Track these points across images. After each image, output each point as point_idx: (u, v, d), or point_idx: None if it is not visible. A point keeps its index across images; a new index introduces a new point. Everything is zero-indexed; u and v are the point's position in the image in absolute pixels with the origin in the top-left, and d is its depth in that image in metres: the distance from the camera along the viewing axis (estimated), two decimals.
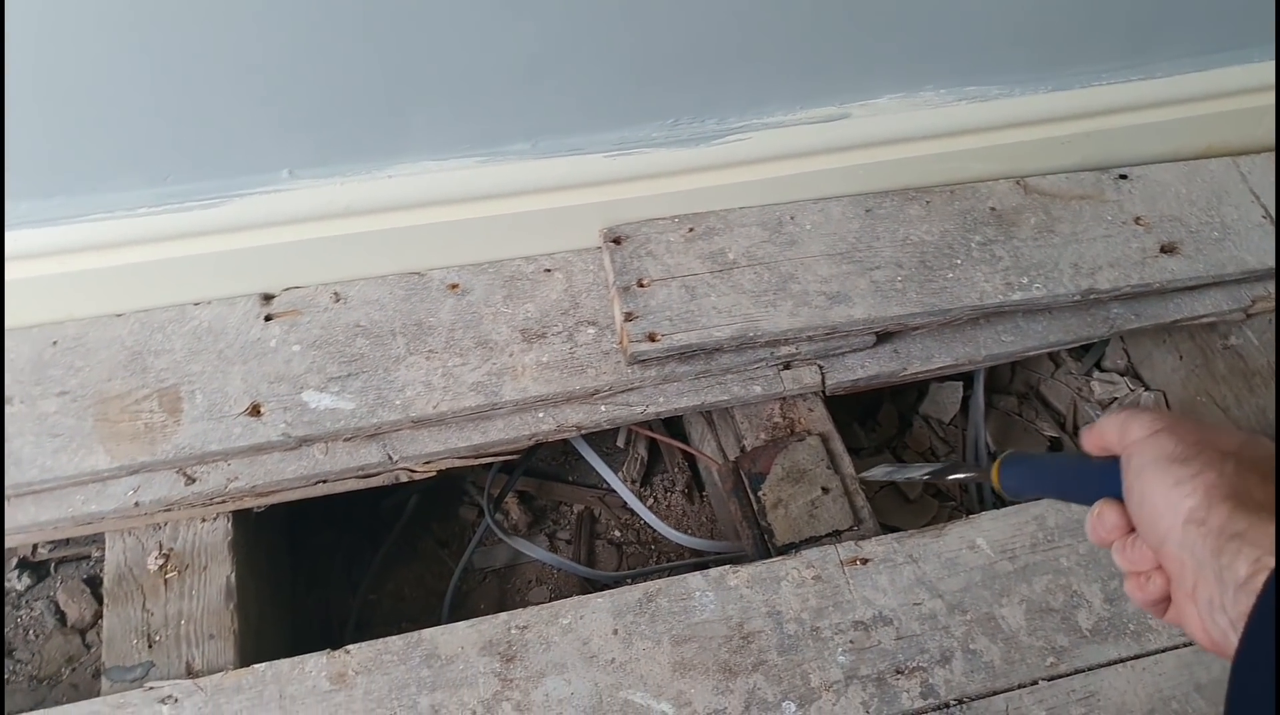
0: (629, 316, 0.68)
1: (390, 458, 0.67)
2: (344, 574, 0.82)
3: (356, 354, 0.69)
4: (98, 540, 0.78)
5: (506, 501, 0.84)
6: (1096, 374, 0.90)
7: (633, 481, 0.86)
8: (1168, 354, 0.87)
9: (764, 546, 0.66)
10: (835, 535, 0.66)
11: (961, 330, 0.75)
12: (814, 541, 0.66)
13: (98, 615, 0.77)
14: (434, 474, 0.69)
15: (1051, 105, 0.75)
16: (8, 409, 0.65)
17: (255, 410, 0.65)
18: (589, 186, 0.71)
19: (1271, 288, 0.78)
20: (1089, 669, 0.60)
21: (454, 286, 0.72)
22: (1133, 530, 0.40)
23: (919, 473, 0.54)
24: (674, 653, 0.60)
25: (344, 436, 0.66)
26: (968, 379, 0.88)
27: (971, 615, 0.62)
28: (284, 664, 0.59)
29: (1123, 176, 0.80)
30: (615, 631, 0.60)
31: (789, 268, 0.72)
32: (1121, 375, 0.89)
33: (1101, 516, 0.40)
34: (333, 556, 0.83)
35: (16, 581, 0.79)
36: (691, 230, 0.73)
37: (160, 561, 0.65)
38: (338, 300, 0.71)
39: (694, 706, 0.58)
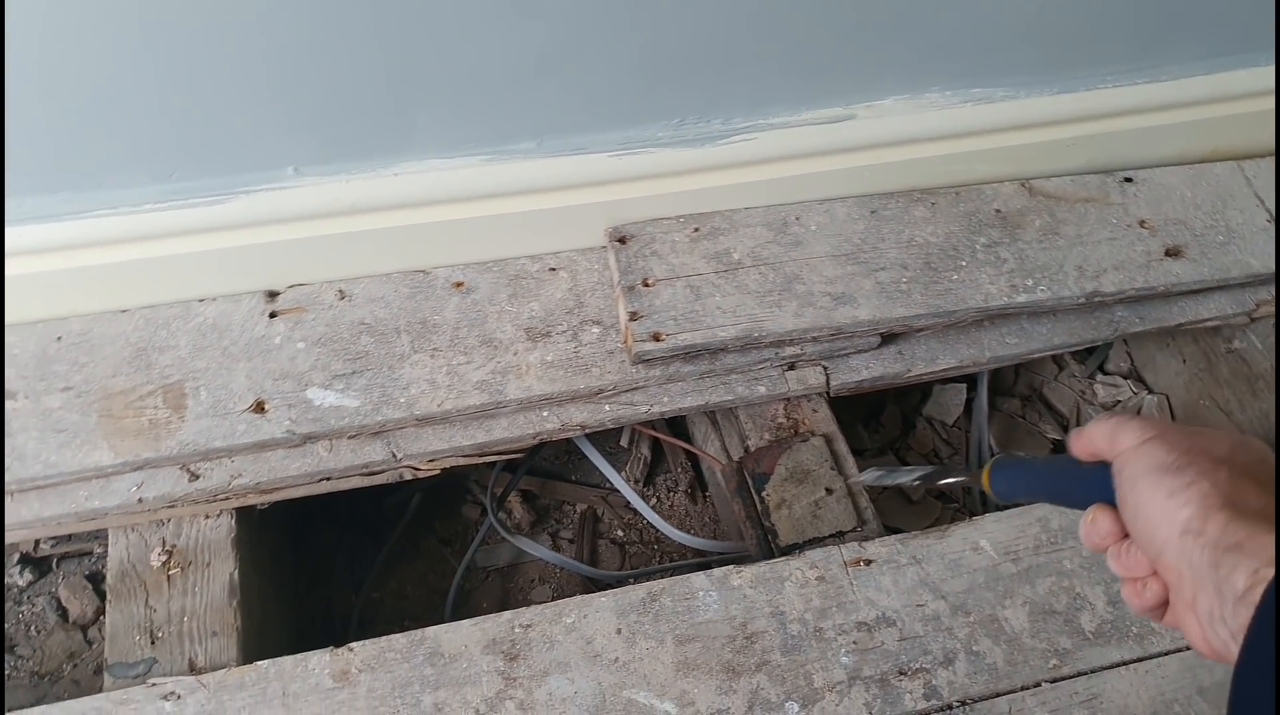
0: (634, 316, 0.68)
1: (394, 455, 0.67)
2: (346, 572, 0.82)
3: (361, 352, 0.69)
4: (100, 536, 0.78)
5: (510, 500, 0.84)
6: (1100, 377, 0.90)
7: (636, 481, 0.86)
8: (1171, 357, 0.87)
9: (767, 547, 0.66)
10: (839, 536, 0.66)
11: (966, 332, 0.75)
12: (817, 542, 0.66)
13: (99, 611, 0.77)
14: (438, 472, 0.69)
15: (1057, 108, 0.75)
16: (12, 404, 0.65)
17: (259, 407, 0.65)
18: (594, 186, 0.71)
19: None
20: (1092, 671, 0.60)
21: (459, 285, 0.72)
22: (1126, 536, 0.39)
23: (910, 477, 0.54)
24: (677, 652, 0.60)
25: (348, 434, 0.66)
26: (971, 381, 0.88)
27: (975, 617, 0.62)
28: (287, 661, 0.59)
29: (1128, 179, 0.80)
30: (619, 631, 0.60)
31: (794, 268, 0.72)
32: (1125, 378, 0.89)
33: (1095, 523, 0.40)
34: (335, 554, 0.83)
35: (18, 577, 0.79)
36: (697, 230, 0.73)
37: (163, 558, 0.65)
38: (343, 298, 0.71)
39: (697, 706, 0.58)
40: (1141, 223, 0.77)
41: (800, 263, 0.72)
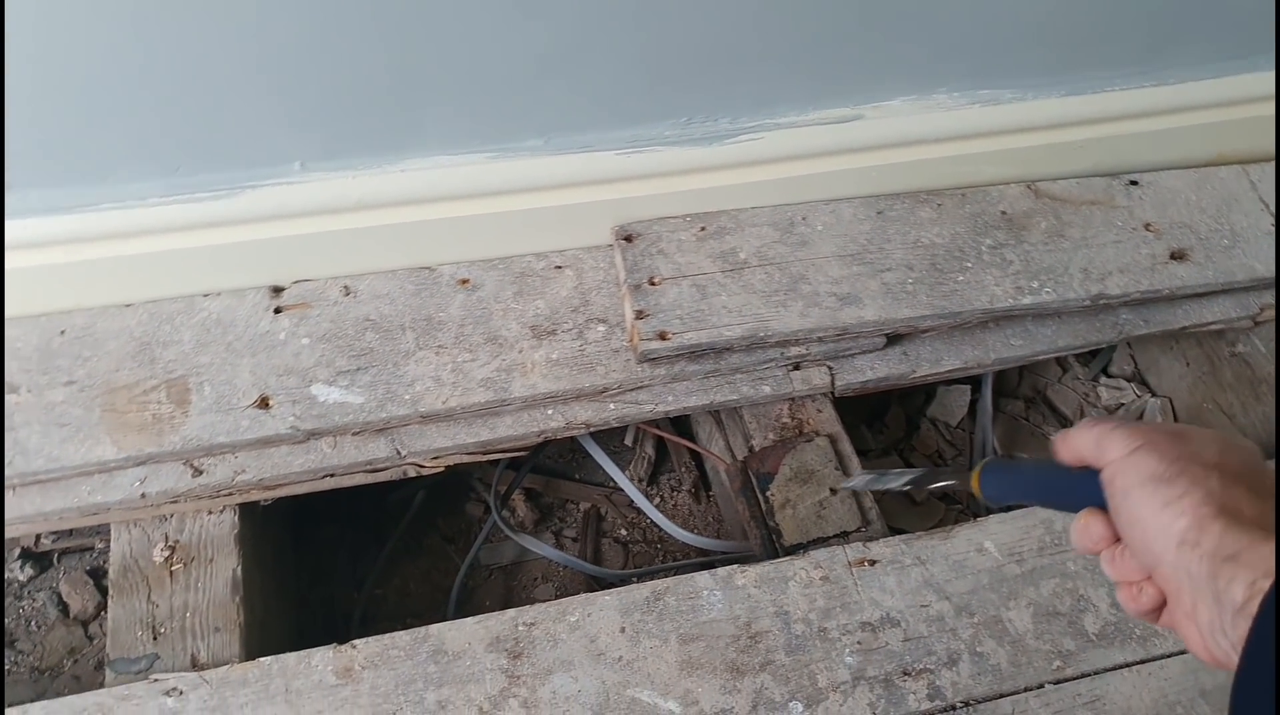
0: (640, 314, 0.68)
1: (398, 452, 0.67)
2: (349, 569, 0.82)
3: (366, 348, 0.68)
4: (101, 531, 0.78)
5: (513, 498, 0.84)
6: (1103, 379, 0.90)
7: (640, 480, 0.86)
8: (1175, 361, 0.87)
9: (772, 546, 0.66)
10: (843, 536, 0.66)
11: (971, 333, 0.75)
12: (822, 542, 0.66)
13: (100, 607, 0.77)
14: (442, 469, 0.69)
15: (1064, 110, 0.75)
16: (15, 398, 0.65)
17: (264, 403, 0.65)
18: (601, 184, 0.71)
19: None
20: (1095, 673, 0.60)
21: (464, 282, 0.72)
22: (1119, 540, 0.39)
23: (899, 482, 0.53)
24: (681, 651, 0.60)
25: (352, 430, 0.66)
26: (975, 382, 0.88)
27: (979, 618, 0.62)
28: (290, 658, 0.58)
29: (1133, 182, 0.80)
30: (623, 629, 0.60)
31: (800, 268, 0.72)
32: (1128, 381, 0.89)
33: (1088, 528, 0.40)
34: (337, 551, 0.83)
35: (19, 572, 0.78)
36: (703, 229, 0.73)
37: (166, 553, 0.65)
38: (347, 294, 0.71)
39: (701, 705, 0.58)
40: (1147, 226, 0.77)
41: (806, 263, 0.72)
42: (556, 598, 0.64)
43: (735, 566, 0.63)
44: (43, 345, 0.67)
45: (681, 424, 0.86)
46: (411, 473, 0.68)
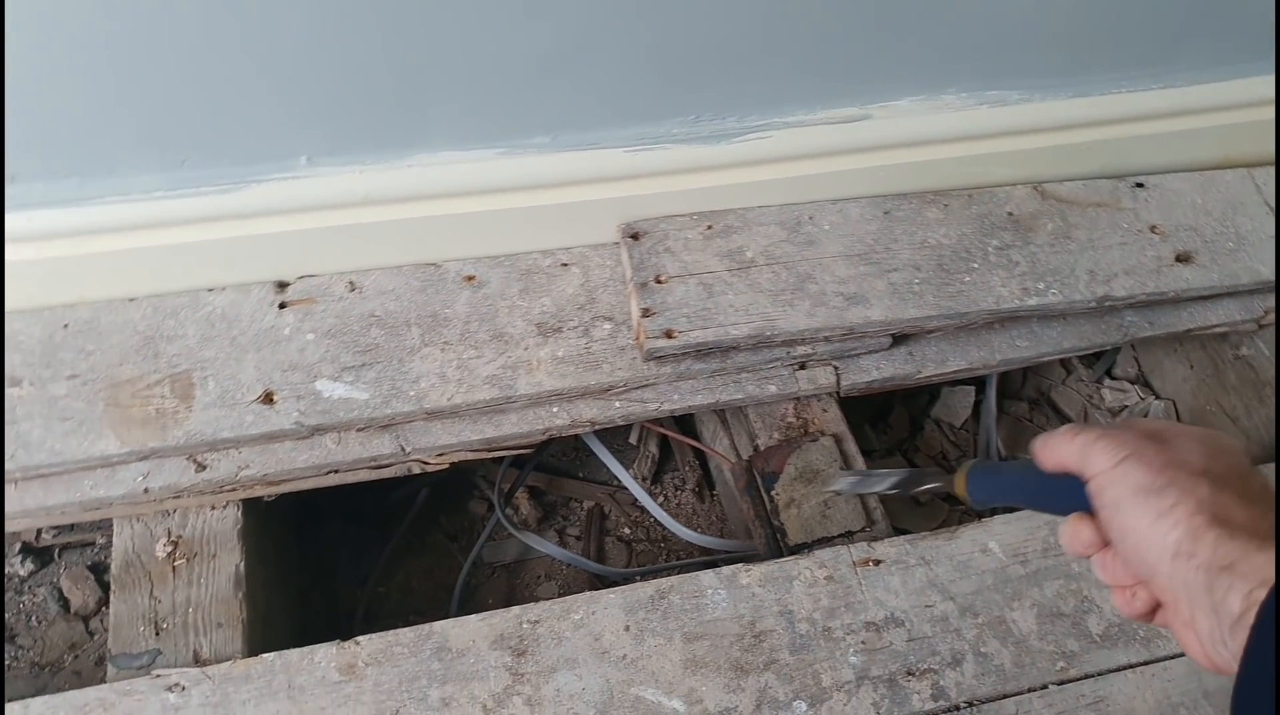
0: (646, 312, 0.68)
1: (403, 449, 0.67)
2: (351, 566, 0.82)
3: (371, 344, 0.68)
4: (102, 527, 0.78)
5: (517, 496, 0.84)
6: (1107, 381, 0.91)
7: (644, 479, 0.86)
8: (1178, 363, 0.87)
9: (776, 546, 0.66)
10: (848, 536, 0.66)
11: (977, 334, 0.75)
12: (826, 542, 0.66)
13: (101, 602, 0.77)
14: (446, 467, 0.68)
15: (1071, 112, 0.75)
16: (17, 391, 0.64)
17: (268, 398, 0.65)
18: (608, 181, 0.70)
19: None
20: (1099, 674, 0.60)
21: (470, 278, 0.72)
22: (1109, 544, 0.39)
23: (884, 485, 0.54)
24: (685, 650, 0.59)
25: (357, 427, 0.66)
26: (980, 383, 0.88)
27: (983, 618, 0.62)
28: (293, 654, 0.58)
29: (1139, 185, 0.80)
30: (627, 628, 0.60)
31: (807, 268, 0.72)
32: (1132, 383, 0.89)
33: (1077, 534, 0.40)
34: (340, 549, 0.83)
35: (19, 567, 0.78)
36: (710, 228, 0.73)
37: (169, 549, 0.64)
38: (353, 289, 0.71)
39: (705, 704, 0.58)
40: (1152, 228, 0.77)
41: (813, 262, 0.72)
42: (559, 596, 0.64)
43: (740, 565, 0.63)
44: (46, 338, 0.67)
45: (685, 423, 0.86)
46: (416, 470, 0.68)
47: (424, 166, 0.66)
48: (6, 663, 0.74)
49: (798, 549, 0.65)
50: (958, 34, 0.67)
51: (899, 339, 0.73)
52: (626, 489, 0.85)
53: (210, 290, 0.70)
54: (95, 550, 0.80)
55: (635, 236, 0.72)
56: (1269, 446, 0.79)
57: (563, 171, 0.69)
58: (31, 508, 0.64)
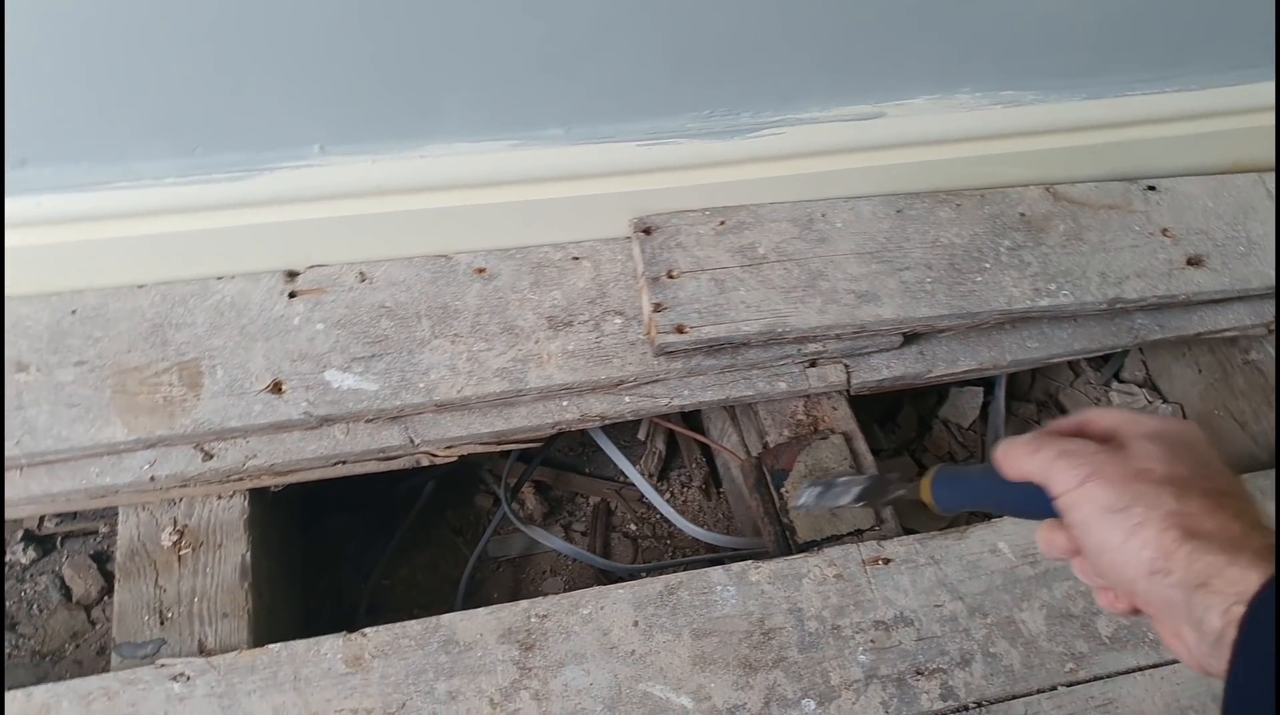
0: (657, 307, 0.68)
1: (412, 441, 0.66)
2: (356, 558, 0.81)
3: (381, 335, 0.68)
4: (106, 515, 0.77)
5: (523, 491, 0.84)
6: (1115, 385, 0.90)
7: (650, 475, 0.86)
8: (1187, 367, 0.87)
9: (785, 543, 0.66)
10: (857, 534, 0.66)
11: (987, 334, 0.75)
12: (836, 540, 0.65)
13: (104, 591, 0.76)
14: (454, 459, 0.68)
15: (1085, 113, 0.75)
16: (24, 377, 0.64)
17: (277, 388, 0.65)
18: (620, 175, 0.70)
19: None
20: (1107, 676, 0.60)
21: (481, 271, 0.72)
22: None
23: (849, 498, 0.53)
24: (694, 646, 0.59)
25: (366, 417, 0.65)
26: (988, 384, 0.88)
27: (992, 618, 0.62)
28: (299, 645, 0.58)
29: (1151, 188, 0.80)
30: (635, 623, 0.60)
31: (819, 265, 0.71)
32: (1140, 387, 0.89)
33: (1052, 541, 0.40)
34: (346, 540, 0.82)
35: (21, 555, 0.78)
36: (722, 223, 0.73)
37: (174, 538, 0.64)
38: (363, 280, 0.70)
39: (714, 701, 0.57)
40: (1164, 231, 0.77)
41: (825, 259, 0.72)
42: (565, 591, 0.64)
43: (749, 562, 0.63)
44: (53, 324, 0.66)
45: (692, 419, 0.86)
46: (424, 462, 0.68)
47: (436, 157, 0.66)
48: (7, 651, 0.73)
49: (807, 547, 0.65)
50: (973, 33, 0.67)
51: (910, 338, 0.73)
52: (633, 485, 0.84)
53: (220, 278, 0.69)
54: (98, 539, 0.79)
55: (647, 231, 0.72)
56: (1268, 451, 0.79)
57: (575, 164, 0.69)
58: (37, 494, 0.63)
